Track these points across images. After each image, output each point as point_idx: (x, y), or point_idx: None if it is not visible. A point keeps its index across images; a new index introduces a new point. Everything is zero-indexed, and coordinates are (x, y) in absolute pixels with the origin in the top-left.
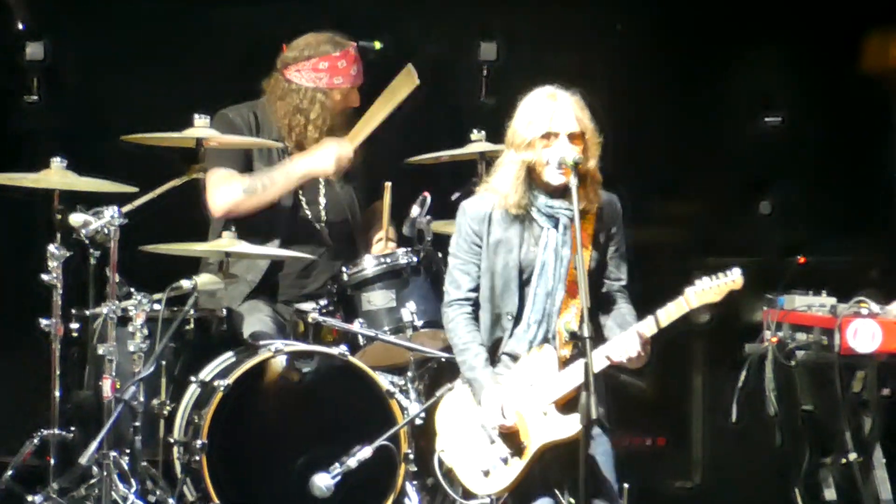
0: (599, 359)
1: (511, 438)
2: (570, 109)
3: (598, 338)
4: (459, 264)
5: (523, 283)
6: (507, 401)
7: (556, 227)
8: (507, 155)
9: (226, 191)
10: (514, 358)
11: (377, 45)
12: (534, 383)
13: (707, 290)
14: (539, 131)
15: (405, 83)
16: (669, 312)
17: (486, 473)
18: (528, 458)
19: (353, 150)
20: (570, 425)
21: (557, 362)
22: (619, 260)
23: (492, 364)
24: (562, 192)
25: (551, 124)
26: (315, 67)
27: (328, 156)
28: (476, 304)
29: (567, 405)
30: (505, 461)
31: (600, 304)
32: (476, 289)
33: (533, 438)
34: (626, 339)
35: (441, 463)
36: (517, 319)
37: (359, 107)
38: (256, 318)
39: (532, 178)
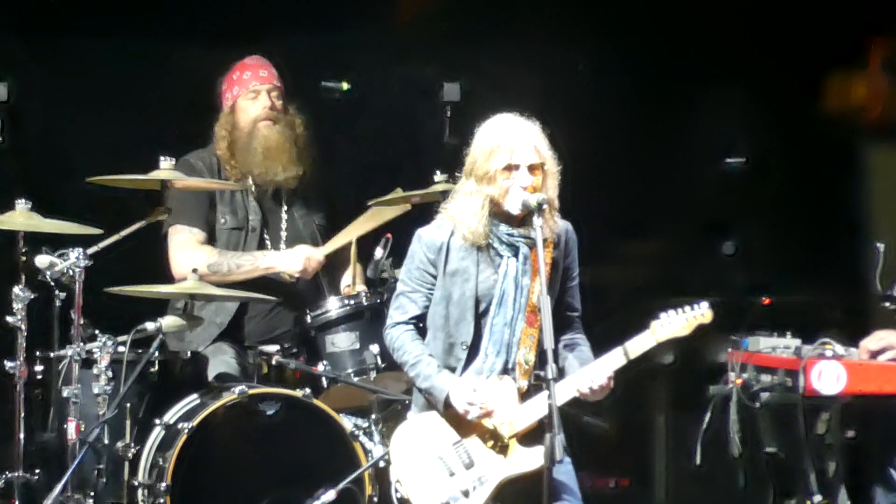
0: (567, 391)
1: (471, 471)
2: (530, 140)
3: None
4: (408, 291)
5: (480, 313)
6: (475, 387)
7: (515, 255)
8: (467, 185)
9: (191, 259)
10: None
11: (345, 85)
12: (493, 415)
13: (674, 323)
14: (500, 164)
15: (393, 207)
16: (637, 345)
17: None
18: (489, 490)
19: (324, 255)
20: (532, 459)
21: (517, 394)
22: (575, 289)
23: None
24: (521, 221)
25: (512, 157)
26: (225, 93)
27: (298, 258)
28: (419, 330)
29: (527, 438)
30: (466, 493)
31: (557, 331)
32: (420, 317)
33: (494, 471)
34: (593, 370)
35: (397, 492)
36: (473, 349)
37: (280, 109)
38: (221, 361)
39: (491, 207)
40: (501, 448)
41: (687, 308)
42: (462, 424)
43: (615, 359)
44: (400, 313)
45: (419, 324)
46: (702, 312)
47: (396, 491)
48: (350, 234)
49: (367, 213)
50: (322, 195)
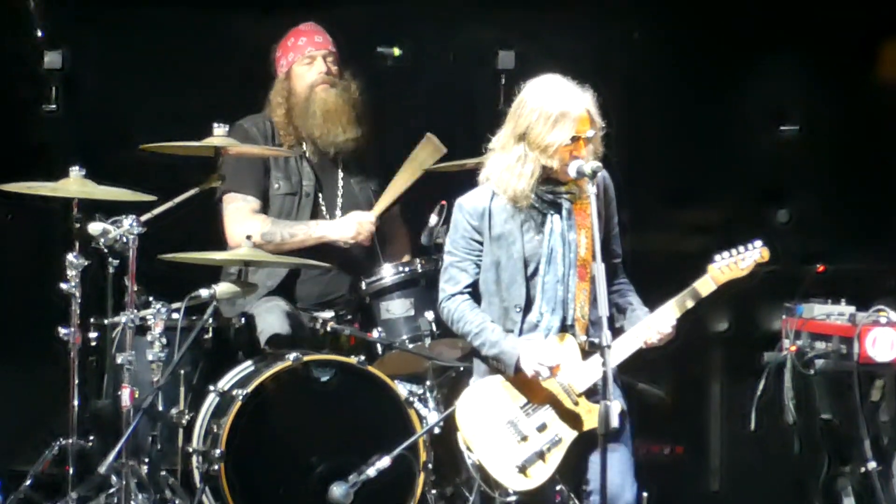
0: (633, 342)
1: (545, 433)
2: (590, 110)
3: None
4: (456, 261)
5: (530, 275)
6: (543, 348)
7: (559, 212)
8: (516, 148)
9: (245, 228)
10: None
11: (396, 51)
12: (559, 374)
13: (731, 265)
14: (565, 137)
15: (429, 153)
16: (696, 291)
17: (522, 469)
18: (564, 450)
19: (375, 217)
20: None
21: (580, 351)
22: (617, 236)
23: None
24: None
25: (577, 129)
26: (279, 60)
27: (350, 224)
28: (474, 298)
29: (594, 393)
30: (541, 455)
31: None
32: (472, 285)
33: (568, 429)
34: (656, 320)
35: (469, 458)
36: (527, 310)
37: (337, 73)
38: (272, 318)
39: (541, 172)
40: (571, 406)
41: (741, 248)
42: (529, 386)
43: (670, 309)
44: (451, 285)
45: (473, 292)
46: (758, 251)
47: (468, 458)
48: (395, 191)
49: (404, 167)
50: (377, 161)
